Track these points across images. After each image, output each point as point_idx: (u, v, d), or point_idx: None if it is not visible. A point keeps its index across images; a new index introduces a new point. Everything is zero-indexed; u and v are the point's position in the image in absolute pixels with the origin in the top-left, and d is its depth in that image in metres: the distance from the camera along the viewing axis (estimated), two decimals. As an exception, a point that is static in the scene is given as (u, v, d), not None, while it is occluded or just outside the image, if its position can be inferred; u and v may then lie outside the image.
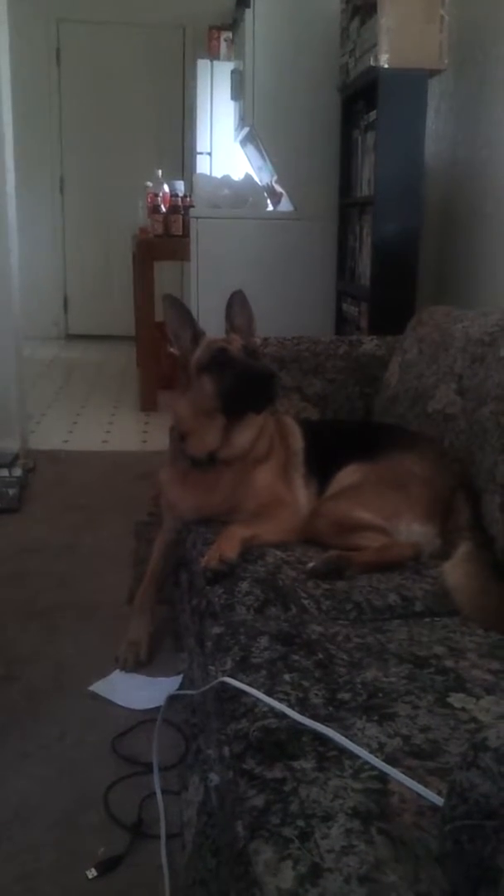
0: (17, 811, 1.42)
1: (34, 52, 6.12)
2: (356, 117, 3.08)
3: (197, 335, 1.79)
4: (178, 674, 1.79)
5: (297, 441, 1.86)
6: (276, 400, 1.81)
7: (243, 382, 1.68)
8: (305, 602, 1.37)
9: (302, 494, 1.77)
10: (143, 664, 1.87)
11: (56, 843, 1.35)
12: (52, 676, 1.85)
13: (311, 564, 1.51)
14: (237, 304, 1.89)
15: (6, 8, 3.25)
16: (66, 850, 1.34)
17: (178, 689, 1.67)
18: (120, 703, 1.74)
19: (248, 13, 3.26)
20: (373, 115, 2.79)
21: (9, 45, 3.30)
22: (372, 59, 2.63)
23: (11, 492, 2.94)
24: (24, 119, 3.60)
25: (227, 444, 1.73)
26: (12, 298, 3.43)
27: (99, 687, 1.79)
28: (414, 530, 1.62)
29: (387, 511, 1.64)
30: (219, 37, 4.95)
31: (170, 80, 6.39)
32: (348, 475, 1.76)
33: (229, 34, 4.67)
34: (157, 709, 1.60)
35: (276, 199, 3.64)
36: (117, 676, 1.84)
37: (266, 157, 3.51)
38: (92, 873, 1.28)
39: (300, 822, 0.82)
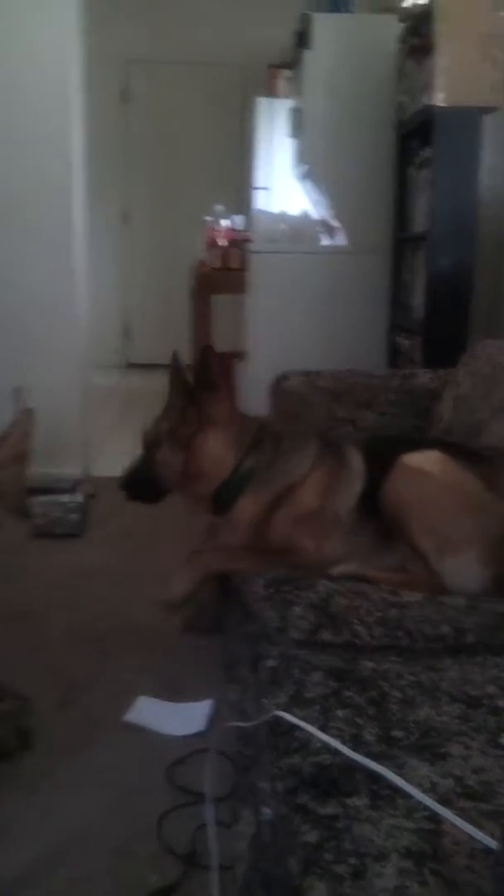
0: (74, 837, 1.46)
1: (103, 92, 6.33)
2: (412, 154, 3.12)
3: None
4: (207, 699, 1.83)
5: (354, 485, 1.70)
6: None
7: None
8: (357, 628, 1.38)
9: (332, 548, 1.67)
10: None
11: (111, 870, 1.38)
12: (108, 702, 1.89)
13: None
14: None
15: (80, 50, 3.41)
16: (121, 878, 1.37)
17: (232, 722, 1.68)
18: (155, 729, 1.77)
19: (308, 53, 3.34)
20: (428, 151, 2.83)
21: (81, 85, 3.46)
22: (428, 98, 2.67)
23: (73, 517, 3.01)
24: (93, 155, 3.74)
25: None
26: (79, 327, 3.55)
27: (131, 716, 1.82)
28: (463, 573, 1.52)
29: (443, 540, 1.53)
30: (278, 75, 5.05)
31: (229, 118, 6.54)
32: (430, 462, 1.62)
33: (288, 72, 4.76)
34: (205, 736, 1.65)
35: (332, 233, 3.70)
36: (143, 703, 1.86)
37: (323, 193, 3.57)
38: (145, 901, 1.30)
39: (353, 860, 0.83)
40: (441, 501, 1.57)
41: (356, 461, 1.71)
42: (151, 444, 1.85)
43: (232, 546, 1.75)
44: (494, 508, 1.55)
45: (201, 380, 1.82)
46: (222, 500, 1.75)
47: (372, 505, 1.66)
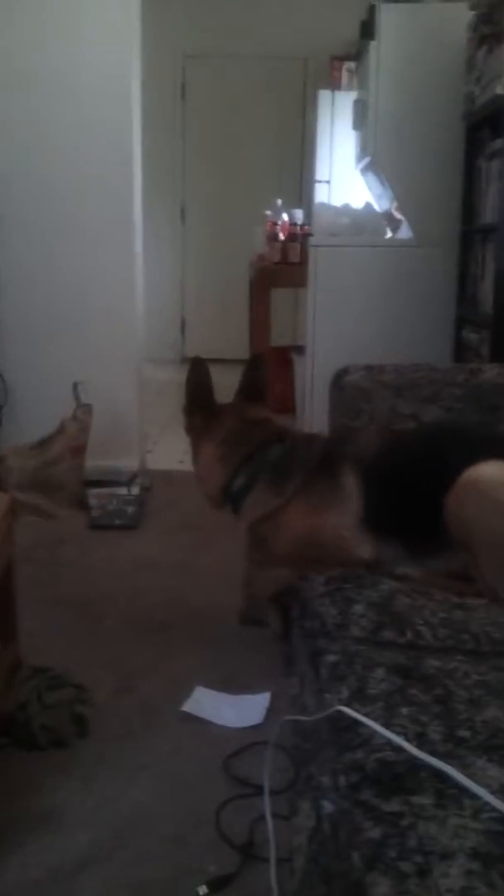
0: (132, 822, 1.47)
1: (161, 88, 6.38)
2: (481, 145, 3.06)
3: None
4: (265, 692, 1.84)
5: (347, 505, 1.67)
6: None
7: None
8: (421, 629, 1.35)
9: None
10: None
11: (169, 855, 1.39)
12: (166, 691, 1.90)
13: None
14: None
15: (139, 46, 3.44)
16: (177, 864, 1.37)
17: (293, 715, 1.68)
18: (213, 720, 1.77)
19: (373, 44, 3.30)
20: (498, 142, 2.76)
21: (140, 81, 3.48)
22: (499, 88, 2.61)
23: (130, 510, 3.05)
24: (150, 151, 3.77)
25: None
26: (136, 323, 3.58)
27: (189, 706, 1.82)
28: None
29: None
30: (341, 67, 5.02)
31: (290, 111, 6.53)
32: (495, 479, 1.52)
33: (352, 64, 4.73)
34: (262, 729, 1.67)
35: (395, 226, 3.65)
36: (201, 693, 1.87)
37: (386, 185, 3.52)
38: (203, 890, 1.30)
39: (418, 859, 0.81)
40: None
41: (349, 482, 1.68)
42: None
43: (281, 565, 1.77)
44: None
45: (245, 389, 1.95)
46: (231, 506, 1.84)
47: (404, 511, 1.64)
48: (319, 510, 1.69)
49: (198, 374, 1.92)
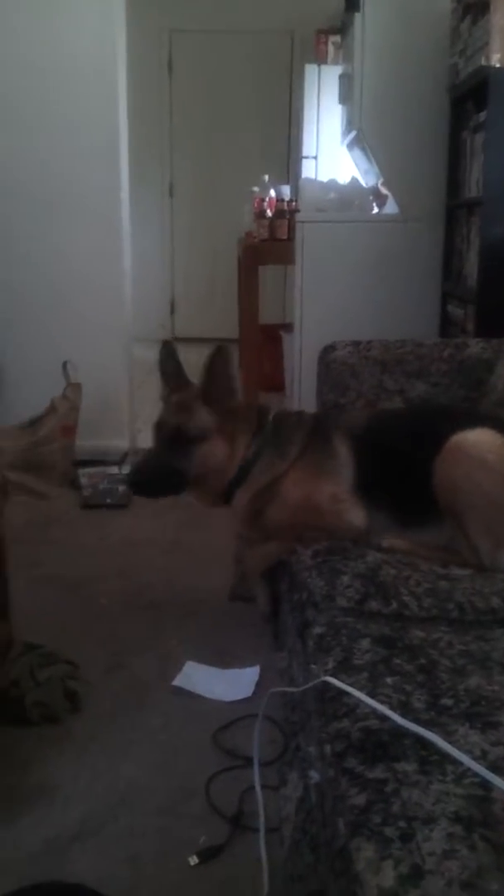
0: (124, 795, 1.49)
1: (148, 63, 6.30)
2: (465, 118, 3.03)
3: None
4: (254, 666, 1.86)
5: (342, 472, 1.72)
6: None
7: None
8: (406, 599, 1.37)
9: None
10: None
11: (160, 828, 1.41)
12: (157, 668, 1.92)
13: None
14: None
15: (124, 21, 3.39)
16: (169, 836, 1.39)
17: (281, 687, 1.70)
18: (203, 694, 1.80)
19: (358, 17, 3.27)
20: (483, 115, 2.75)
21: (125, 56, 3.44)
22: (483, 59, 2.59)
23: (121, 489, 3.05)
24: (137, 127, 3.73)
25: None
26: (125, 302, 3.57)
27: (180, 680, 1.85)
28: None
29: (499, 539, 1.54)
30: (326, 41, 4.95)
31: (277, 86, 6.45)
32: (486, 446, 1.58)
33: (337, 38, 4.67)
34: (251, 702, 1.68)
35: (381, 201, 3.62)
36: (191, 668, 1.90)
37: (372, 160, 3.49)
38: (194, 860, 1.33)
39: (402, 824, 0.83)
40: (499, 495, 1.55)
41: (342, 450, 1.73)
42: (183, 436, 1.81)
43: (271, 538, 1.80)
44: None
45: (219, 382, 1.80)
46: (229, 492, 1.83)
47: (393, 481, 1.68)
48: (317, 476, 1.73)
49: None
